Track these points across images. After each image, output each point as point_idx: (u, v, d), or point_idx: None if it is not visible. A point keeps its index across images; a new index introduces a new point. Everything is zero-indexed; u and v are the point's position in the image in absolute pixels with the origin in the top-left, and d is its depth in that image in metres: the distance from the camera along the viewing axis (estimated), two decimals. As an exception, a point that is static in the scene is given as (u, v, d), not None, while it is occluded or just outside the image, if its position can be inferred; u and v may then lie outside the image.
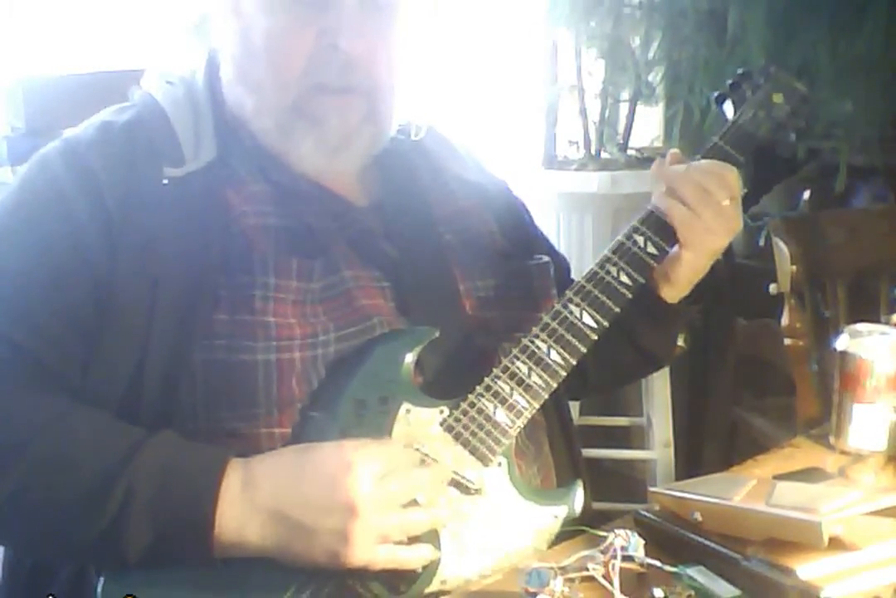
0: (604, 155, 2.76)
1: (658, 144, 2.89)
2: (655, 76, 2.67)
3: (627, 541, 0.95)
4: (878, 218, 2.13)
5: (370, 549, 0.93)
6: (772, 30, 2.33)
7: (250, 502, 0.93)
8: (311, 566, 0.94)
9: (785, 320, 1.91)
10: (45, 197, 1.05)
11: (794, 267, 1.88)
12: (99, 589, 0.95)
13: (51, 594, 1.02)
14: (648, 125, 2.86)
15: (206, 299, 1.00)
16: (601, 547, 0.95)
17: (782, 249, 1.89)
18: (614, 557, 0.93)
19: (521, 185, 1.38)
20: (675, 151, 1.20)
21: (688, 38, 2.52)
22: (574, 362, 1.08)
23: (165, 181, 1.04)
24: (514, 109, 2.83)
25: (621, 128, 2.79)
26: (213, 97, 1.12)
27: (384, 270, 1.10)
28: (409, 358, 1.04)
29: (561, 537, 1.06)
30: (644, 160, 2.74)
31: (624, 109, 2.78)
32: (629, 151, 2.78)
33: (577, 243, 2.59)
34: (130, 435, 0.96)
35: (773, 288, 1.92)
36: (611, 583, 0.91)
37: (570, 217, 2.62)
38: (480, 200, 1.23)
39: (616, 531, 0.96)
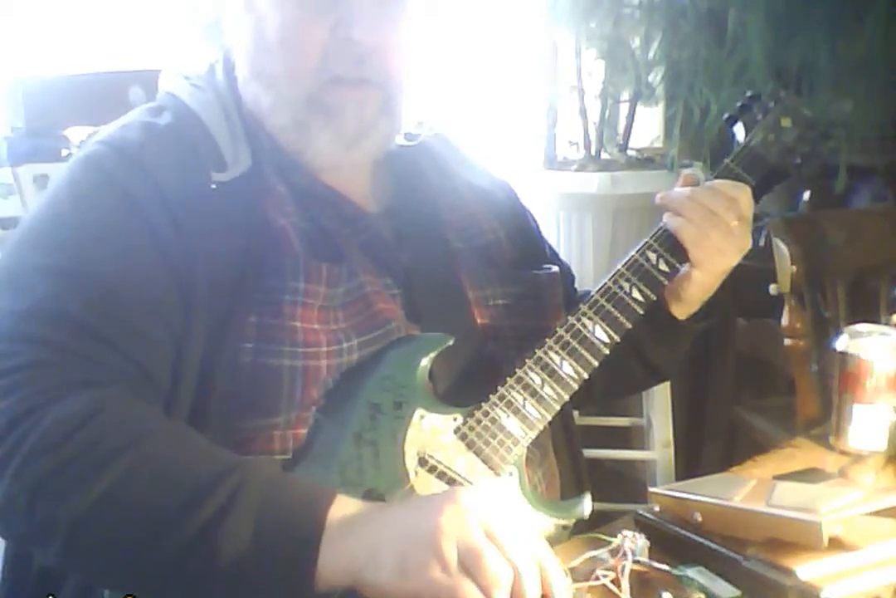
0: (604, 155, 2.76)
1: (658, 144, 2.90)
2: (655, 77, 2.67)
3: (635, 544, 0.95)
4: (878, 218, 2.13)
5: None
6: (772, 30, 2.33)
7: (359, 519, 0.87)
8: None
9: (785, 321, 1.91)
10: (110, 199, 1.02)
11: (794, 267, 1.88)
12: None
13: (51, 595, 1.01)
14: (648, 126, 2.87)
15: (242, 302, 0.99)
16: (610, 547, 0.95)
17: (782, 249, 1.89)
18: (624, 558, 0.93)
19: (521, 186, 1.38)
20: (688, 172, 1.20)
21: (688, 39, 2.52)
22: (586, 376, 1.08)
23: (214, 185, 1.03)
24: (515, 109, 2.83)
25: (621, 128, 2.79)
26: (237, 100, 1.12)
27: (395, 278, 1.10)
28: (424, 363, 1.04)
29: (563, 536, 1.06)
30: (644, 161, 2.74)
31: (624, 109, 2.78)
32: (629, 152, 2.78)
33: (577, 244, 2.59)
34: (233, 455, 0.92)
35: (773, 288, 1.92)
36: (619, 588, 0.91)
37: (570, 218, 2.62)
38: (489, 207, 1.23)
39: (625, 532, 0.96)
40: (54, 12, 2.59)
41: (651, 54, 2.63)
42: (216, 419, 0.98)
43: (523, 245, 1.25)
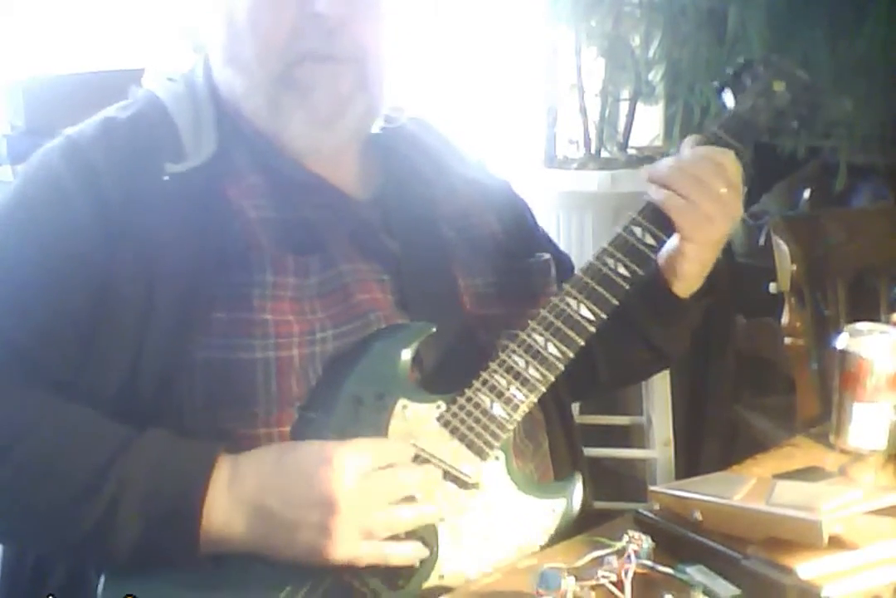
0: (604, 154, 2.76)
1: (658, 142, 2.89)
2: (655, 75, 2.67)
3: (640, 546, 0.95)
4: (879, 217, 2.13)
5: (353, 545, 0.93)
6: (772, 29, 2.33)
7: (236, 496, 0.94)
8: (296, 561, 0.94)
9: (785, 319, 1.91)
10: (45, 194, 1.05)
11: (794, 266, 1.88)
12: (99, 589, 0.95)
13: (51, 595, 1.02)
14: (648, 124, 2.86)
15: (203, 297, 1.00)
16: (615, 549, 0.95)
17: (782, 248, 1.89)
18: (628, 561, 0.93)
19: (521, 184, 1.37)
20: (690, 138, 1.19)
21: (688, 37, 2.52)
22: (572, 355, 1.07)
23: (166, 177, 1.03)
24: (515, 108, 2.83)
25: (621, 127, 2.79)
26: (212, 90, 1.12)
27: (384, 264, 1.09)
28: (406, 354, 1.04)
29: (564, 535, 1.06)
30: (644, 159, 2.74)
31: (624, 107, 2.78)
32: (629, 150, 2.78)
33: (577, 242, 2.59)
34: (120, 433, 0.97)
35: (773, 287, 1.92)
36: (622, 590, 0.91)
37: (571, 216, 2.61)
38: (483, 198, 1.23)
39: (630, 533, 0.96)
40: (54, 12, 2.59)
41: (651, 53, 2.63)
42: (193, 418, 0.99)
43: (517, 235, 1.24)
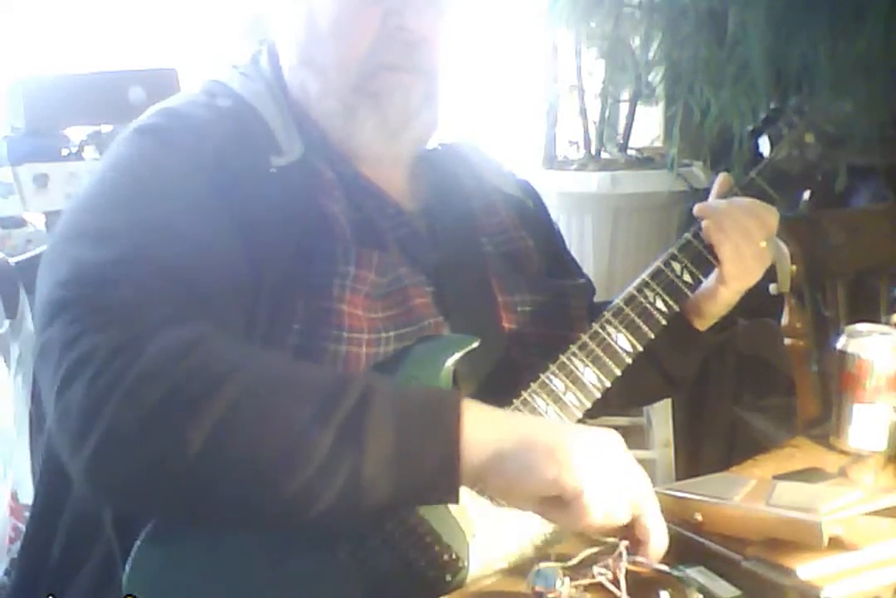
0: (604, 155, 2.76)
1: (658, 143, 2.90)
2: (655, 76, 2.67)
3: None
4: (879, 218, 2.13)
5: (586, 473, 0.87)
6: (772, 30, 2.33)
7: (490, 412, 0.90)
8: (527, 488, 0.87)
9: (785, 320, 1.91)
10: (168, 153, 1.02)
11: (794, 267, 1.88)
12: (124, 579, 0.93)
13: (51, 595, 1.01)
14: (648, 125, 2.87)
15: (296, 285, 1.00)
16: (608, 545, 0.95)
17: (782, 248, 1.89)
18: (621, 558, 0.93)
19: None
20: (726, 175, 1.22)
21: (688, 39, 2.53)
22: (608, 384, 1.08)
23: (273, 170, 1.04)
24: (515, 109, 2.83)
25: (621, 128, 2.80)
26: (283, 89, 1.13)
27: (428, 275, 1.10)
28: (449, 364, 1.03)
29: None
30: (644, 160, 2.74)
31: (624, 108, 2.78)
32: (629, 151, 2.78)
33: (577, 243, 2.59)
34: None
35: (773, 288, 1.91)
36: (618, 587, 0.91)
37: (570, 217, 2.62)
38: (519, 216, 1.24)
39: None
40: (54, 12, 2.60)
41: (651, 54, 2.63)
42: None
43: (551, 256, 1.26)
